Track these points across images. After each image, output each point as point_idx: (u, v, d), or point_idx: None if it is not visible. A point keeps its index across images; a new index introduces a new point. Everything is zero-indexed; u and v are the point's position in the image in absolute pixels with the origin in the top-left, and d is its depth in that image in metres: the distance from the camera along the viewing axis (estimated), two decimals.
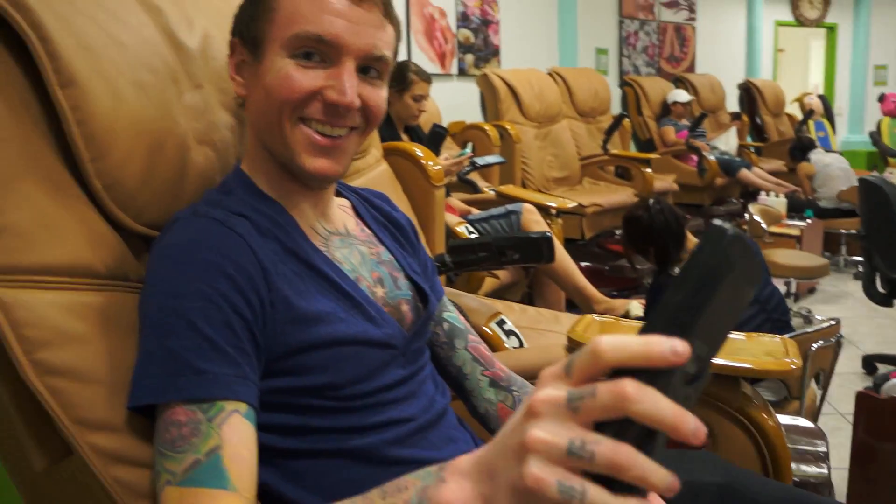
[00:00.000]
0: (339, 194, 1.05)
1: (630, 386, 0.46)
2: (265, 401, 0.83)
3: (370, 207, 1.08)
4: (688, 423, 0.45)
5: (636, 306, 2.72)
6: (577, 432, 0.47)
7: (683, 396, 0.48)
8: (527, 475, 0.47)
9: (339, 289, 0.90)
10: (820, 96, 8.03)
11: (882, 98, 7.48)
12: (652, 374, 0.47)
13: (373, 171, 1.71)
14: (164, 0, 1.02)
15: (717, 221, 0.49)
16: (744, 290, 0.50)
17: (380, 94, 0.92)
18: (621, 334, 0.47)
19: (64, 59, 0.82)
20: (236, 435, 0.75)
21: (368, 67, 0.90)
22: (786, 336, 1.44)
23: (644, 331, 0.48)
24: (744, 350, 1.33)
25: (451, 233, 2.53)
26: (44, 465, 0.79)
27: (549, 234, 1.59)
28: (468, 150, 3.24)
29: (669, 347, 0.45)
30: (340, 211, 1.02)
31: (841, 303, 4.55)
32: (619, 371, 0.47)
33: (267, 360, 0.83)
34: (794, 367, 1.26)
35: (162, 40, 0.98)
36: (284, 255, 0.88)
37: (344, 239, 0.98)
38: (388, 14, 0.91)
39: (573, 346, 1.39)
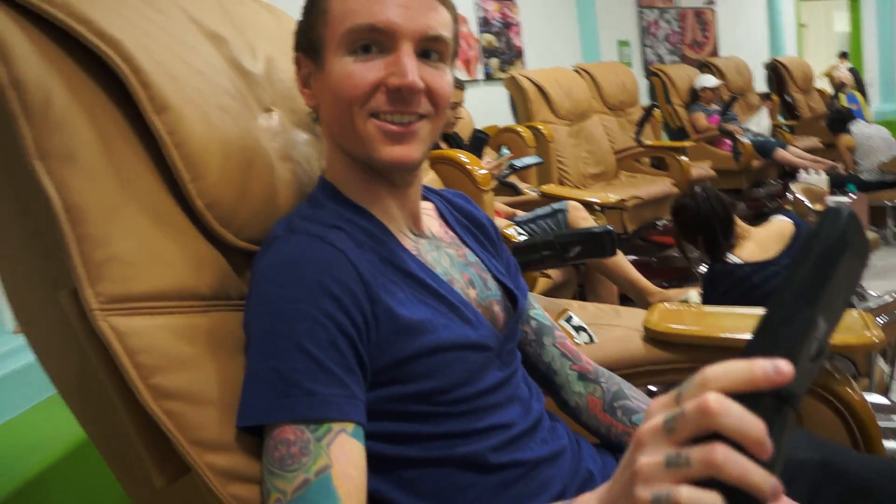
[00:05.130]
0: (423, 198, 1.04)
1: (713, 399, 0.48)
2: (373, 409, 0.84)
3: (453, 209, 1.08)
4: (766, 441, 0.47)
5: (694, 295, 2.70)
6: (675, 448, 0.50)
7: (807, 373, 0.50)
8: (635, 500, 0.51)
9: (436, 294, 0.90)
10: (850, 69, 7.93)
11: None
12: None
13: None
14: (227, 31, 1.04)
15: (832, 202, 0.50)
16: (858, 267, 0.53)
17: (443, 77, 0.90)
18: (726, 363, 0.49)
19: (156, 87, 0.84)
20: (344, 454, 0.76)
21: (428, 51, 0.89)
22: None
23: (771, 306, 0.51)
24: None
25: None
26: (163, 482, 0.81)
27: (610, 228, 1.60)
28: (506, 151, 3.25)
29: (772, 368, 0.47)
30: (425, 215, 1.02)
31: (893, 277, 4.47)
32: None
33: (373, 371, 0.84)
34: (876, 340, 1.24)
35: (228, 68, 1.00)
36: (381, 265, 0.88)
37: (431, 242, 0.98)
38: None
39: (651, 335, 1.39)
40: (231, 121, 0.94)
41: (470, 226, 1.08)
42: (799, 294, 0.49)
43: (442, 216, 1.06)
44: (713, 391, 0.48)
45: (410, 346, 0.85)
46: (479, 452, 0.89)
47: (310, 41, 0.91)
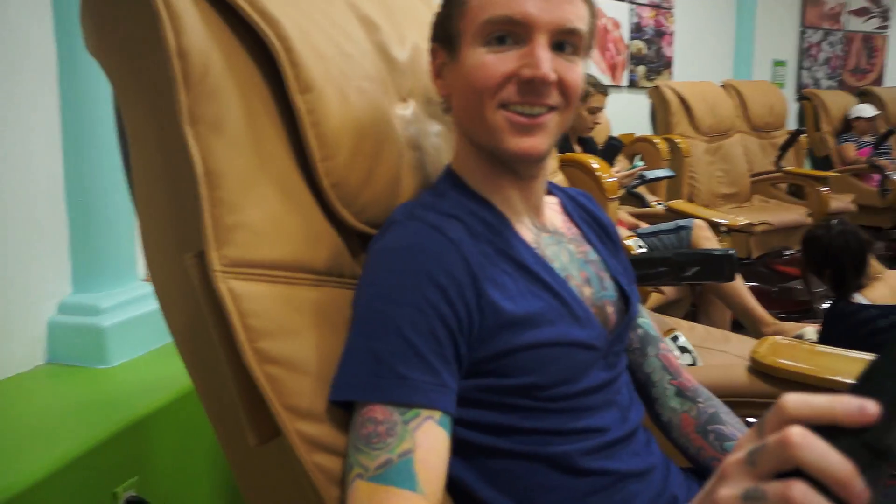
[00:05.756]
0: (548, 192, 1.05)
1: (795, 432, 0.46)
2: (470, 397, 0.86)
3: (577, 206, 1.09)
4: (856, 484, 0.45)
5: (811, 332, 2.59)
6: (756, 482, 0.48)
7: None
8: None
9: (550, 288, 0.91)
10: None
11: None
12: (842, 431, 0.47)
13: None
14: (380, 16, 1.08)
15: None
16: None
17: (576, 70, 0.90)
18: (809, 394, 0.48)
19: (303, 67, 0.89)
20: (428, 441, 0.78)
21: (563, 43, 0.89)
22: None
23: (880, 357, 0.48)
24: None
25: None
26: (256, 441, 0.85)
27: (732, 252, 1.56)
28: (640, 162, 3.20)
29: (857, 407, 0.46)
30: (549, 209, 1.03)
31: None
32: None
33: (474, 362, 0.85)
34: None
35: (375, 53, 1.04)
36: (496, 256, 0.89)
37: (552, 236, 0.99)
38: None
39: (757, 367, 1.36)
40: (368, 105, 0.98)
41: (593, 224, 1.08)
42: None
43: (566, 211, 1.06)
44: (796, 424, 0.47)
45: (514, 340, 0.86)
46: (569, 454, 0.90)
47: (446, 32, 0.93)
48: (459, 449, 0.86)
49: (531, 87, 0.87)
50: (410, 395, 0.79)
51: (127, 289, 1.84)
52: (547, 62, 0.86)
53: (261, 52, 0.89)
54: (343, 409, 0.83)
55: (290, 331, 0.84)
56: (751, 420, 1.50)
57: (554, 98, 0.89)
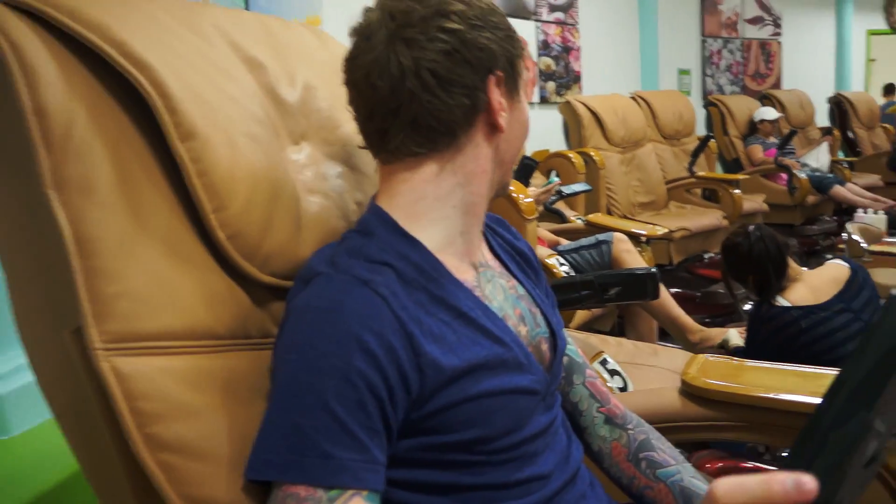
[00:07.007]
0: None
1: None
2: (409, 457, 0.79)
3: (494, 235, 1.02)
4: None
5: (734, 335, 2.63)
6: None
7: (859, 480, 0.45)
8: None
9: (491, 334, 0.84)
10: None
11: None
12: None
13: None
14: (267, 56, 1.01)
15: None
16: None
17: None
18: (741, 478, 0.46)
19: (183, 114, 0.81)
20: None
21: None
22: None
23: (822, 405, 0.47)
24: None
25: (542, 266, 2.49)
26: None
27: (653, 271, 1.54)
28: (555, 178, 3.20)
29: (793, 485, 0.44)
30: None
31: None
32: None
33: (413, 420, 0.79)
34: None
35: (262, 96, 0.97)
36: (431, 304, 0.82)
37: (486, 271, 0.93)
38: None
39: (688, 389, 1.34)
40: (259, 150, 0.90)
41: (513, 252, 1.02)
42: (854, 395, 0.45)
43: (487, 242, 0.99)
44: None
45: (457, 393, 0.80)
46: None
47: (514, 70, 0.90)
48: None
49: None
50: (337, 475, 0.72)
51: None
52: None
53: (134, 103, 0.81)
54: (257, 489, 0.76)
55: (189, 411, 0.76)
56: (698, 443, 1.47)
57: None
